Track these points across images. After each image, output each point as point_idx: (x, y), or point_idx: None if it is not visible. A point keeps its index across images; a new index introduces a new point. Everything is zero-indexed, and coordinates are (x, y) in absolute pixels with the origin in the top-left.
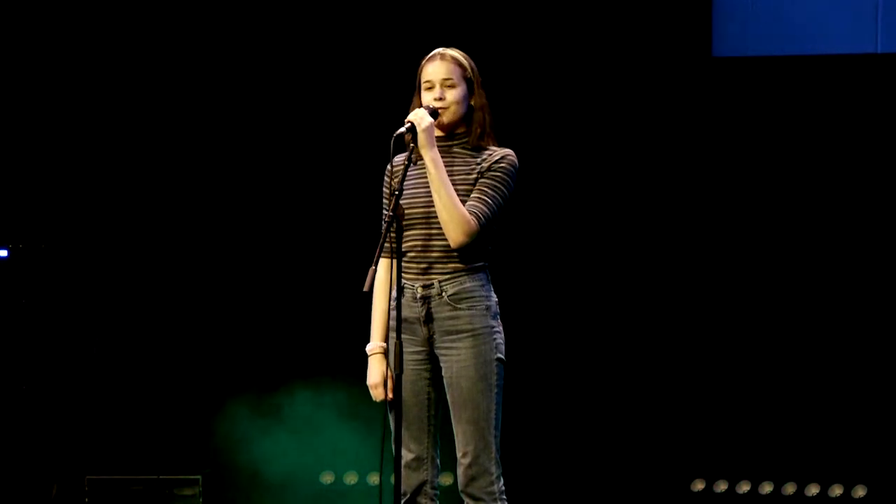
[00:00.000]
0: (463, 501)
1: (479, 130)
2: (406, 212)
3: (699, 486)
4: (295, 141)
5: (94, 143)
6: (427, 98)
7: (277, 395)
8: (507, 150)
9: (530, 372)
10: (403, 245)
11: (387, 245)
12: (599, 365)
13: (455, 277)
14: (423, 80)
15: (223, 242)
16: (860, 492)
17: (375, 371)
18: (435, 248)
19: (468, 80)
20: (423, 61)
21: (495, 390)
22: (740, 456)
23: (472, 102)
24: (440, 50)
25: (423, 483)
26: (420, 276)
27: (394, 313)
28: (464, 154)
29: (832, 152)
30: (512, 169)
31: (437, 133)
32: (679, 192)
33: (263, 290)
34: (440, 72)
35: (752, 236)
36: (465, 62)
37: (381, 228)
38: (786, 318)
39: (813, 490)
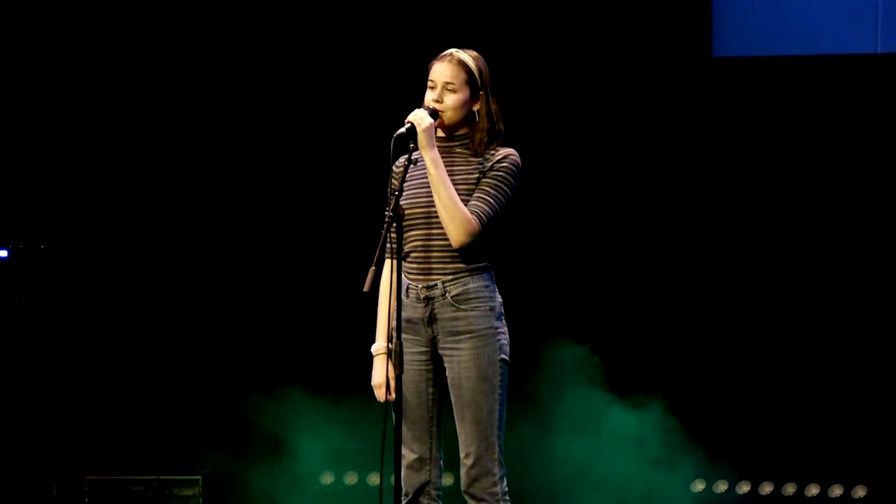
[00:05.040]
0: (466, 502)
1: (482, 138)
2: (406, 212)
3: (699, 486)
4: (296, 141)
5: (94, 143)
6: (427, 97)
7: (278, 394)
8: (510, 150)
9: (532, 373)
10: (405, 245)
11: (389, 245)
12: (600, 365)
13: (458, 278)
14: (429, 77)
15: (223, 243)
16: (860, 492)
17: (379, 371)
18: (436, 249)
19: (472, 87)
20: (435, 58)
21: (499, 391)
22: (740, 456)
23: (476, 109)
24: (452, 51)
25: (426, 483)
26: (423, 277)
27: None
28: (465, 154)
29: (832, 152)
30: (514, 168)
31: (439, 133)
32: (679, 192)
33: (264, 290)
34: (444, 74)
35: (753, 236)
36: (473, 68)
37: (381, 229)
38: (785, 318)
39: (813, 490)
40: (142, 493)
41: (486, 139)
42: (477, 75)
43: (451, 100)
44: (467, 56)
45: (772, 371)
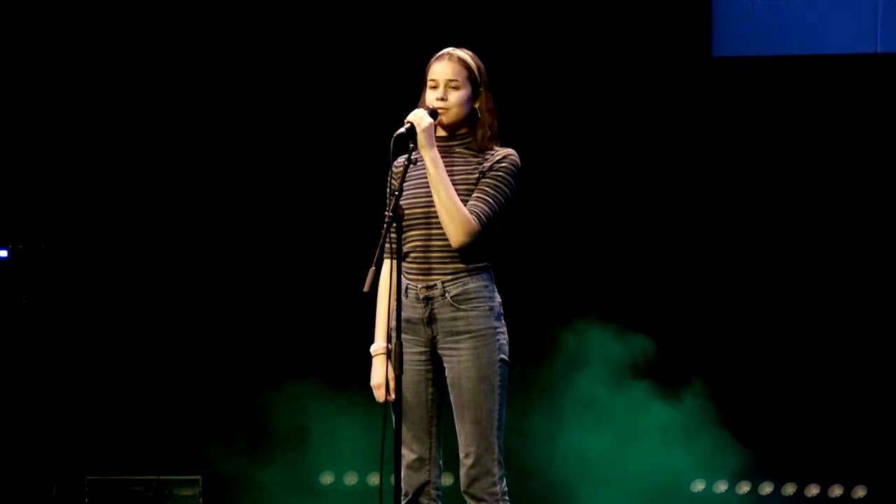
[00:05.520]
0: (465, 502)
1: (485, 134)
2: (406, 212)
3: (699, 486)
4: (296, 142)
5: (93, 143)
6: (430, 97)
7: (277, 395)
8: (509, 150)
9: (532, 372)
10: (405, 246)
11: (389, 246)
12: (599, 365)
13: (458, 278)
14: (428, 77)
15: (223, 243)
16: (860, 492)
17: (378, 372)
18: (436, 249)
19: (473, 83)
20: (432, 59)
21: (498, 391)
22: (740, 457)
23: (477, 105)
24: (449, 50)
25: (426, 483)
26: (422, 277)
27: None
28: (465, 154)
29: (832, 152)
30: (514, 168)
31: (439, 133)
32: (679, 191)
33: (264, 290)
34: (446, 72)
35: (752, 236)
36: (472, 64)
37: (381, 229)
38: (785, 318)
39: (813, 490)
40: (142, 493)
41: (487, 135)
42: (476, 72)
43: (455, 97)
44: (465, 53)
45: (771, 372)
